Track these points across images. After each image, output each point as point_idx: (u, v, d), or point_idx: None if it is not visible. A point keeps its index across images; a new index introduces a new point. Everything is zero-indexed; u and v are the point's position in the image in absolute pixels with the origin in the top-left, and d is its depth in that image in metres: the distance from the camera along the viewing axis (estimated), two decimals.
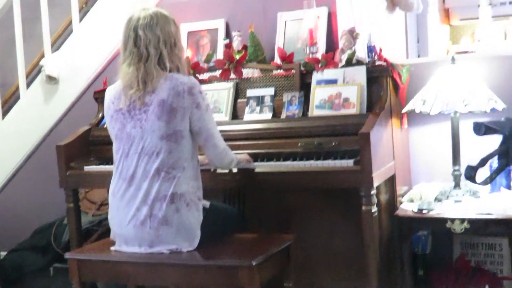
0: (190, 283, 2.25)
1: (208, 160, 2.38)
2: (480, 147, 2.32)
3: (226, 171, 2.55)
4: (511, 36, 6.47)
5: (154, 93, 2.18)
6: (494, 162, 2.08)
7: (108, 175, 2.68)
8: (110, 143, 2.83)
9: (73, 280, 2.38)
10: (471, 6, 5.33)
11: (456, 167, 2.64)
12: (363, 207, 2.36)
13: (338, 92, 2.67)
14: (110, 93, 2.32)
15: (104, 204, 3.61)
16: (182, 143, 2.21)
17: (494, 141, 1.87)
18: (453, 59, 2.69)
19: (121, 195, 2.26)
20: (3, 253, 3.80)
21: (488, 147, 1.95)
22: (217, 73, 2.97)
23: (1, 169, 4.10)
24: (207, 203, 2.36)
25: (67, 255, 2.41)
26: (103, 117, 3.18)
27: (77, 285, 2.38)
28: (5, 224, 4.09)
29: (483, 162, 1.83)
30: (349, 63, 2.75)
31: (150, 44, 2.21)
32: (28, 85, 4.06)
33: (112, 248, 2.34)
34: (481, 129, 1.81)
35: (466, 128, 2.59)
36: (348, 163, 2.38)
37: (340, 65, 2.77)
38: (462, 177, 2.53)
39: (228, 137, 2.48)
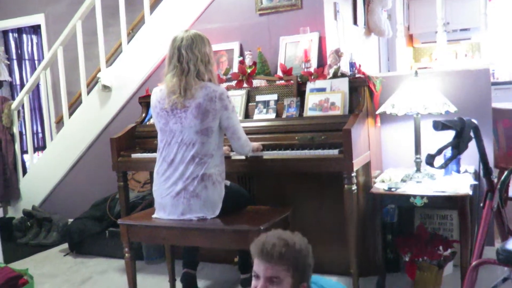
0: (212, 243, 2.26)
1: (232, 148, 2.38)
2: (436, 140, 2.30)
3: (243, 157, 2.53)
4: (460, 56, 6.42)
5: (193, 98, 2.17)
6: (448, 152, 2.05)
7: (149, 161, 2.70)
8: (151, 136, 2.86)
9: (123, 240, 2.39)
10: (430, 32, 5.36)
11: (418, 156, 2.61)
12: (345, 186, 2.35)
13: (326, 98, 2.65)
14: (157, 94, 2.30)
15: (147, 183, 3.62)
16: (211, 137, 2.21)
17: (448, 136, 1.85)
18: (416, 73, 2.65)
19: (163, 173, 2.27)
20: (70, 220, 3.82)
21: (442, 140, 1.93)
22: (233, 83, 2.96)
23: (68, 156, 4.12)
24: (228, 182, 2.36)
25: (119, 221, 2.42)
26: (146, 117, 3.18)
27: (126, 245, 2.40)
28: (71, 198, 4.12)
29: (439, 152, 1.80)
30: (335, 75, 2.73)
31: (190, 62, 2.19)
32: (88, 92, 4.06)
33: (153, 216, 2.35)
34: (439, 126, 1.78)
35: (425, 126, 2.56)
36: (334, 152, 2.36)
37: (328, 77, 2.75)
38: (423, 163, 2.50)
39: None
